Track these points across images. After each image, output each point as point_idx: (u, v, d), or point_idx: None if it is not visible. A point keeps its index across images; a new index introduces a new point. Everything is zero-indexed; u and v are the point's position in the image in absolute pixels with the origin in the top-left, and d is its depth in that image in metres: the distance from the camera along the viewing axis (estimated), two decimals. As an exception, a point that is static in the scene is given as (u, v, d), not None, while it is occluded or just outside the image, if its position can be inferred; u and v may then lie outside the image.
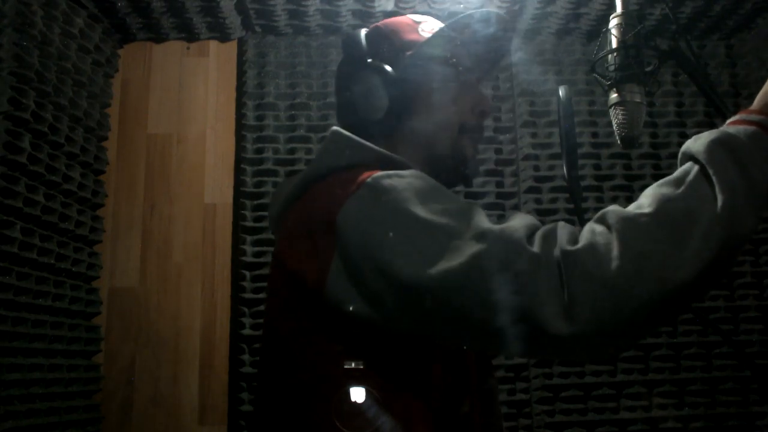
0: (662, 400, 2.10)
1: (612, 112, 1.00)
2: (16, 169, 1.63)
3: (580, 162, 2.22)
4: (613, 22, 1.01)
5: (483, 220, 0.78)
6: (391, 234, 0.78)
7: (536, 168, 2.24)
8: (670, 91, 2.33)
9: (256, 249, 2.15)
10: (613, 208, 0.74)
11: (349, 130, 0.95)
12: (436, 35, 0.99)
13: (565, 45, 2.35)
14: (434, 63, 0.98)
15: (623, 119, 0.98)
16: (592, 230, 0.73)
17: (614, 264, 0.69)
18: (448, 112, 0.99)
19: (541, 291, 0.70)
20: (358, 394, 0.80)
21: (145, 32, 2.24)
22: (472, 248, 0.74)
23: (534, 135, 2.27)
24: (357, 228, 0.80)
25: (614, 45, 1.00)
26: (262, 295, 2.11)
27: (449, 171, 1.00)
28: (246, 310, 2.11)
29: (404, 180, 0.82)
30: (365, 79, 0.97)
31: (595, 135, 2.29)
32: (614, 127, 1.00)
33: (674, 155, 2.25)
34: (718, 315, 2.17)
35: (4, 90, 1.58)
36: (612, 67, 0.99)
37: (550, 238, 0.74)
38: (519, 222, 0.77)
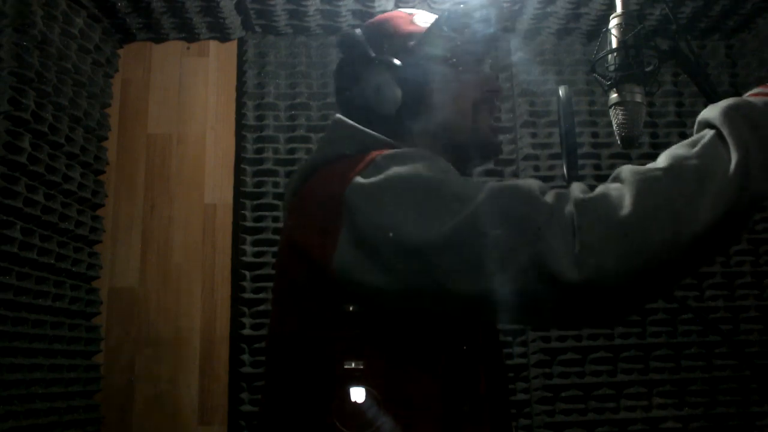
0: (662, 400, 2.10)
1: (612, 112, 1.00)
2: (16, 169, 1.64)
3: (580, 162, 2.22)
4: (613, 22, 1.01)
5: (493, 182, 0.79)
6: (400, 199, 0.78)
7: (536, 168, 2.24)
8: (670, 91, 2.33)
9: (256, 249, 2.15)
10: (626, 166, 0.75)
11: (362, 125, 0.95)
12: (437, 23, 1.00)
13: (565, 45, 2.35)
14: (439, 51, 0.99)
15: (623, 119, 0.98)
16: (606, 185, 0.74)
17: (626, 211, 0.69)
18: (460, 98, 0.99)
19: (553, 238, 0.70)
20: (358, 394, 0.80)
21: (145, 32, 2.24)
22: (482, 201, 0.75)
23: (534, 135, 2.27)
24: (365, 198, 0.80)
25: (614, 45, 1.00)
26: (262, 295, 2.11)
27: (471, 153, 1.01)
28: (246, 310, 2.11)
29: (414, 156, 0.84)
30: (374, 75, 0.97)
31: (595, 135, 2.29)
32: (614, 127, 1.00)
33: (674, 155, 2.26)
34: (718, 315, 2.17)
35: (4, 90, 1.58)
36: (612, 67, 0.99)
37: (563, 193, 0.75)
38: (531, 180, 0.78)
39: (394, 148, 0.90)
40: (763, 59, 2.25)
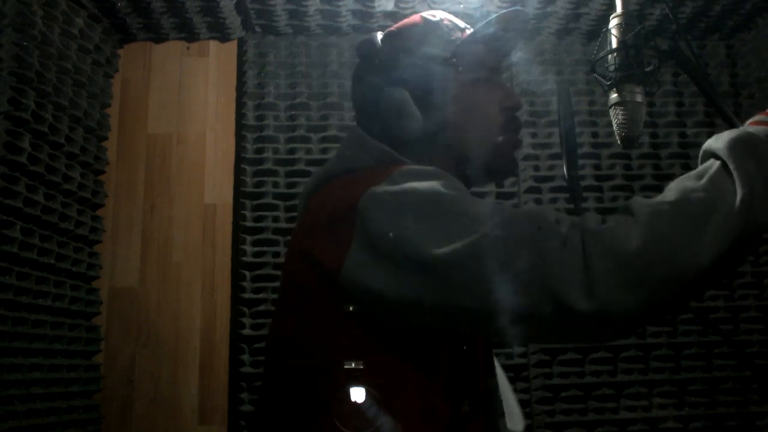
0: (662, 400, 2.10)
1: (612, 112, 1.00)
2: (16, 169, 1.63)
3: (580, 162, 2.22)
4: (613, 22, 1.01)
5: (508, 206, 0.79)
6: (414, 212, 0.79)
7: (536, 168, 2.24)
8: (670, 91, 2.33)
9: (256, 249, 2.14)
10: (636, 199, 0.77)
11: (378, 139, 0.95)
12: (466, 41, 0.97)
13: (565, 45, 2.34)
14: (465, 68, 0.97)
15: (623, 119, 0.98)
16: (616, 217, 0.76)
17: (635, 245, 0.71)
18: (485, 115, 0.98)
19: (564, 267, 0.72)
20: (358, 394, 0.80)
21: (145, 32, 2.24)
22: (497, 222, 0.76)
23: (534, 135, 2.27)
24: (380, 207, 0.80)
25: (614, 45, 1.00)
26: (262, 295, 2.11)
27: (486, 173, 1.00)
28: (246, 310, 2.11)
29: (430, 173, 0.84)
30: (390, 91, 0.95)
31: (595, 135, 2.29)
32: (614, 127, 1.00)
33: (674, 155, 2.27)
34: (718, 315, 2.17)
35: (4, 90, 1.58)
36: (612, 67, 0.99)
37: (576, 222, 0.76)
38: (545, 207, 0.79)
39: (407, 165, 0.90)
40: (763, 59, 2.25)
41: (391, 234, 0.78)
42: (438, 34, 0.99)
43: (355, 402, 0.80)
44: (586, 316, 0.71)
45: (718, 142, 0.77)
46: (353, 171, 0.91)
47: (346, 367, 0.81)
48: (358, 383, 0.80)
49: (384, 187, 0.82)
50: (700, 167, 0.78)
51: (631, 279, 0.71)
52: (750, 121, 0.82)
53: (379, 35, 1.02)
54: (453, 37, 0.98)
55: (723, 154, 0.75)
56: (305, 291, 0.87)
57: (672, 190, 0.77)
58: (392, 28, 1.03)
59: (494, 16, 0.98)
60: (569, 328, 0.76)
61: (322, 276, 0.83)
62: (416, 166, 0.87)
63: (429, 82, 0.95)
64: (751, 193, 0.72)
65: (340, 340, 0.83)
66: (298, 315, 0.88)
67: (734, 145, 0.75)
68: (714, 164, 0.76)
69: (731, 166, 0.74)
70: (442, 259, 0.75)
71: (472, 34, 0.98)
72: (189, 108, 2.28)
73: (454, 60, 0.97)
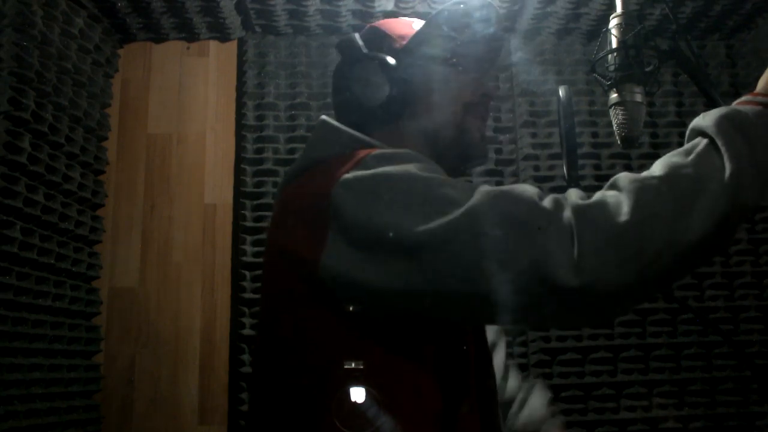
0: (662, 400, 2.10)
1: (612, 112, 1.00)
2: (16, 169, 1.63)
3: (580, 162, 2.22)
4: (613, 22, 1.01)
5: (487, 186, 0.79)
6: (389, 197, 0.77)
7: (536, 168, 2.24)
8: (670, 91, 2.33)
9: (256, 249, 2.14)
10: (623, 174, 0.76)
11: (350, 128, 0.95)
12: (429, 23, 0.99)
13: (565, 45, 2.35)
14: (429, 51, 0.98)
15: (623, 119, 0.98)
16: (603, 192, 0.76)
17: (624, 219, 0.70)
18: (448, 99, 0.98)
19: (551, 244, 0.71)
20: (358, 394, 0.80)
21: (145, 32, 2.24)
22: (478, 201, 0.74)
23: (534, 135, 2.27)
24: (354, 195, 0.78)
25: (614, 45, 1.00)
26: (262, 295, 2.12)
27: (457, 158, 1.00)
28: (246, 310, 2.11)
29: (403, 156, 0.83)
30: (363, 72, 0.96)
31: (595, 135, 2.29)
32: (614, 127, 1.00)
33: (674, 155, 2.26)
34: (718, 315, 2.17)
35: (4, 90, 1.58)
36: (612, 67, 0.99)
37: (560, 198, 0.75)
38: (528, 185, 0.79)
39: (378, 149, 0.89)
40: (763, 59, 2.25)
41: (367, 222, 0.77)
42: (408, 26, 1.01)
43: (355, 402, 0.80)
44: (575, 292, 0.70)
45: (706, 119, 0.77)
46: (322, 160, 0.89)
47: (345, 367, 0.80)
48: (357, 383, 0.80)
49: (356, 173, 0.80)
50: (688, 144, 0.78)
51: (619, 254, 0.70)
52: (737, 101, 0.82)
53: (356, 34, 1.04)
54: (419, 28, 1.00)
55: (711, 131, 0.75)
56: (290, 290, 0.86)
57: (659, 165, 0.76)
58: (369, 25, 1.06)
59: (451, 3, 0.99)
60: (558, 307, 0.74)
61: (302, 272, 0.82)
62: (389, 150, 0.86)
63: (398, 62, 0.96)
64: (739, 171, 0.72)
65: (337, 338, 0.82)
66: (290, 315, 0.87)
67: (722, 123, 0.75)
68: (702, 141, 0.76)
69: (719, 143, 0.73)
70: (423, 243, 0.74)
71: (431, 19, 0.99)
72: (189, 108, 2.28)
73: (418, 43, 0.98)
